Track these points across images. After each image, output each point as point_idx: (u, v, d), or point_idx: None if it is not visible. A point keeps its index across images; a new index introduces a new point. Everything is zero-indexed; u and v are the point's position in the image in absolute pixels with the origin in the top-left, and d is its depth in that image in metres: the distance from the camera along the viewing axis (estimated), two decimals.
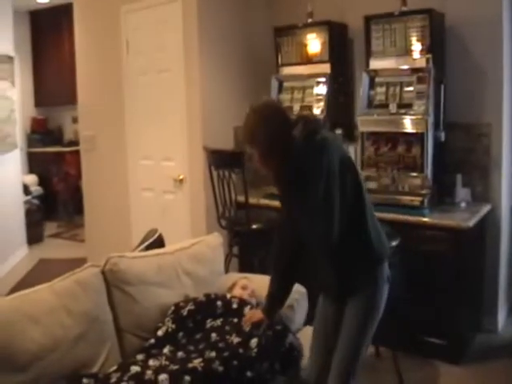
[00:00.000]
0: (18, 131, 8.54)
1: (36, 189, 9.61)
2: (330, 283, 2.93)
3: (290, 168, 2.76)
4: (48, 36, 10.17)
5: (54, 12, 9.69)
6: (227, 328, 3.11)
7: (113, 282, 3.18)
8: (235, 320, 3.17)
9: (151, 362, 2.88)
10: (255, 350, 2.96)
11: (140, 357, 2.99)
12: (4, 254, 7.33)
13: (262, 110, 2.86)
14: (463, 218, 4.37)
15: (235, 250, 4.93)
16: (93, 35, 6.41)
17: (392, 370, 4.22)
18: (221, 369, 2.83)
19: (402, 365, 4.24)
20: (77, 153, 7.49)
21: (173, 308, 3.25)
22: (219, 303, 3.30)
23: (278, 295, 3.06)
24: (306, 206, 2.68)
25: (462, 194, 4.70)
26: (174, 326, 3.15)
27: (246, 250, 4.93)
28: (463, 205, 4.65)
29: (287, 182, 2.83)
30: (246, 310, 3.24)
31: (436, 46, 4.58)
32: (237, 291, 3.50)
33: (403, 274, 4.17)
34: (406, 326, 4.42)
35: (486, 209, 4.68)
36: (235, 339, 3.01)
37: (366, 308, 2.94)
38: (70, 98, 7.69)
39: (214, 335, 3.09)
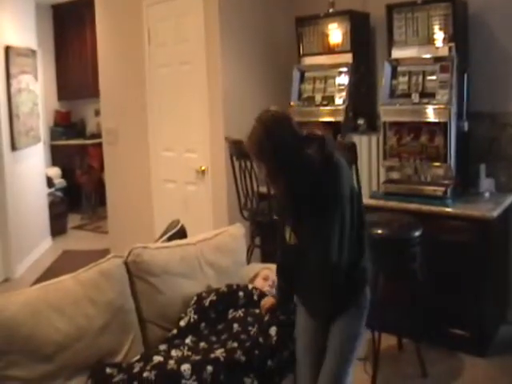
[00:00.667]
0: (42, 124, 8.59)
1: (59, 181, 9.68)
2: (320, 304, 2.90)
3: (304, 189, 2.69)
4: (70, 30, 10.22)
5: (77, 6, 9.72)
6: (249, 319, 3.12)
7: (136, 272, 3.19)
8: (256, 311, 3.18)
9: (174, 353, 2.89)
10: (275, 338, 2.98)
11: (163, 347, 3.01)
12: (28, 246, 7.40)
13: (269, 121, 2.75)
14: (487, 208, 4.33)
15: (257, 240, 4.93)
16: (115, 28, 6.43)
17: (415, 362, 4.22)
18: (243, 359, 2.85)
19: (426, 357, 4.22)
20: (99, 145, 7.55)
21: (195, 298, 3.26)
22: (241, 294, 3.30)
23: (286, 291, 3.10)
24: (321, 232, 2.67)
25: (486, 184, 4.66)
26: (196, 317, 3.16)
27: (268, 240, 4.90)
28: (487, 195, 4.61)
29: (299, 204, 2.74)
30: (266, 316, 3.23)
31: (459, 34, 4.53)
32: (258, 282, 3.52)
33: (426, 265, 4.15)
34: (429, 317, 4.40)
35: (510, 199, 4.63)
36: (256, 328, 3.03)
37: (355, 324, 2.89)
38: (93, 91, 7.72)
39: (235, 326, 3.09)
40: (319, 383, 2.80)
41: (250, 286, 3.37)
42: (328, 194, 2.65)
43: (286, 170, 2.69)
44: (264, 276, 3.53)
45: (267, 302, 3.19)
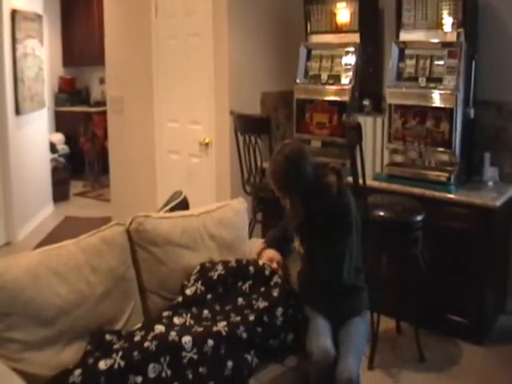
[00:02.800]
0: (46, 90, 8.57)
1: (62, 147, 9.69)
2: (329, 305, 3.18)
3: (320, 214, 3.07)
4: None
5: None
6: (255, 295, 3.12)
7: (137, 241, 3.19)
8: (262, 289, 3.17)
9: (176, 321, 2.91)
10: (280, 319, 3.00)
11: (166, 314, 3.02)
12: (30, 211, 7.43)
13: (291, 154, 3.07)
14: (490, 197, 4.34)
15: (259, 216, 4.95)
16: None
17: (413, 346, 4.26)
18: (245, 335, 2.87)
19: (424, 342, 4.28)
20: (104, 113, 7.54)
21: (198, 267, 3.26)
22: (251, 269, 3.28)
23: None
24: (335, 254, 3.06)
25: (490, 172, 4.67)
26: (203, 288, 3.15)
27: (269, 216, 4.93)
28: (490, 184, 4.61)
29: (314, 225, 3.11)
30: (275, 277, 3.25)
31: (468, 20, 4.50)
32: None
33: (428, 250, 4.18)
34: (429, 303, 4.42)
35: None
36: (261, 304, 3.03)
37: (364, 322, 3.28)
38: (98, 59, 7.68)
39: (240, 300, 3.11)
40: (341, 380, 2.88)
41: (261, 262, 3.36)
42: (341, 220, 3.05)
43: (307, 199, 3.07)
44: (268, 257, 3.50)
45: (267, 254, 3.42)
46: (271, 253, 3.46)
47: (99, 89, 10.32)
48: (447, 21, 4.52)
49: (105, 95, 7.30)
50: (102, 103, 8.62)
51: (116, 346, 2.67)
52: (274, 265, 3.34)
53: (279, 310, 3.02)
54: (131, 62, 6.31)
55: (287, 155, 3.04)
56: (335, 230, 3.05)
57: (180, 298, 3.14)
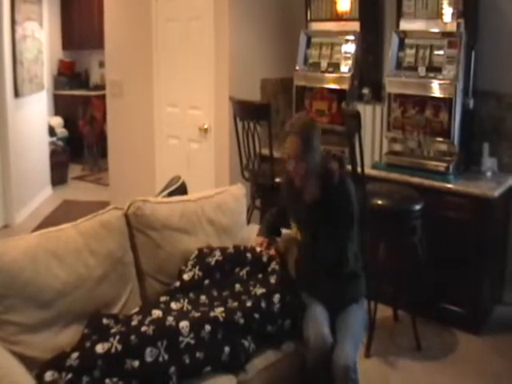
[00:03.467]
0: (45, 73, 8.56)
1: (61, 131, 9.67)
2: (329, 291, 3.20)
3: (322, 198, 3.12)
4: None
5: None
6: (252, 282, 3.15)
7: (136, 225, 3.21)
8: (260, 276, 3.20)
9: (173, 306, 2.93)
10: (278, 306, 3.02)
11: (163, 299, 3.04)
12: (28, 194, 7.43)
13: (313, 122, 3.30)
14: (489, 187, 4.35)
15: (257, 202, 4.95)
16: None
17: (409, 334, 4.28)
18: (242, 321, 2.89)
19: (420, 330, 4.29)
20: (103, 97, 7.52)
21: (196, 253, 3.28)
22: (249, 255, 3.31)
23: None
24: (338, 241, 3.14)
25: (489, 163, 4.67)
26: (200, 274, 3.18)
27: (268, 202, 4.92)
28: (489, 174, 4.61)
29: (320, 212, 3.13)
30: (273, 264, 3.27)
31: (469, 10, 4.48)
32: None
33: (426, 239, 4.19)
34: (426, 292, 4.45)
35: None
36: (259, 290, 3.06)
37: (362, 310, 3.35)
38: (98, 42, 7.66)
39: (237, 286, 3.13)
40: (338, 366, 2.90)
41: (259, 249, 3.38)
42: (343, 209, 3.11)
43: (317, 177, 3.15)
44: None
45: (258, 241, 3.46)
46: (259, 239, 3.51)
47: (99, 72, 10.29)
48: (447, 11, 4.50)
49: (104, 79, 7.28)
50: (102, 87, 8.59)
51: (113, 330, 2.69)
52: (272, 251, 3.36)
53: (276, 297, 3.04)
54: (131, 45, 6.30)
55: (310, 119, 3.26)
56: (338, 219, 3.10)
57: (177, 283, 3.16)
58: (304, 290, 3.21)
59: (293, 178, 3.20)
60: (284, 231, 3.60)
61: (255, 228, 3.77)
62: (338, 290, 3.19)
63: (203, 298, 3.04)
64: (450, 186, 4.39)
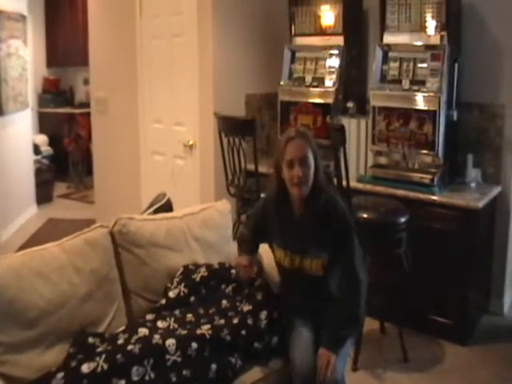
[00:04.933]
0: (30, 91, 8.55)
1: (46, 149, 9.64)
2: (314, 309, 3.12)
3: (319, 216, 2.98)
4: None
5: None
6: (239, 297, 3.13)
7: (121, 243, 3.19)
8: (246, 291, 3.18)
9: (160, 324, 2.90)
10: (264, 322, 3.00)
11: (149, 317, 3.02)
12: (13, 213, 7.39)
13: None
14: (473, 198, 4.37)
15: (243, 217, 4.94)
16: None
17: (397, 346, 4.28)
18: (228, 338, 2.87)
19: (407, 342, 4.29)
20: (88, 114, 7.50)
21: (182, 269, 3.26)
22: (233, 272, 3.30)
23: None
24: (347, 263, 3.01)
25: (473, 174, 4.70)
26: (186, 291, 3.15)
27: None
28: (473, 185, 4.64)
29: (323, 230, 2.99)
30: (258, 280, 3.25)
31: (452, 23, 4.53)
32: None
33: (411, 251, 4.19)
34: (412, 303, 4.45)
35: (496, 190, 4.69)
36: (245, 307, 3.05)
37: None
38: (83, 59, 7.66)
39: (224, 302, 3.11)
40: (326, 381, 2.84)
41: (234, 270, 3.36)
42: (344, 225, 3.00)
43: (319, 184, 3.00)
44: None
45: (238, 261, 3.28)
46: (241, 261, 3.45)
47: (83, 90, 10.28)
48: (431, 24, 4.55)
49: (89, 96, 7.28)
50: (87, 104, 8.58)
51: (99, 349, 2.66)
52: (254, 270, 3.34)
53: (263, 313, 3.02)
54: (115, 62, 6.30)
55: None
56: (342, 245, 3.00)
57: (163, 301, 3.14)
58: (290, 311, 3.15)
59: (298, 187, 2.93)
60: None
61: None
62: (326, 310, 3.08)
63: (189, 315, 3.01)
64: (434, 197, 4.41)
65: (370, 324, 4.49)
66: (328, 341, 2.92)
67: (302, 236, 3.02)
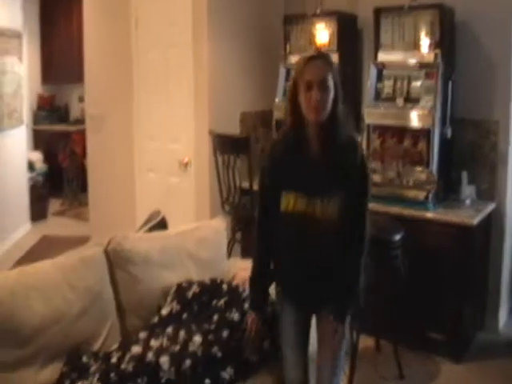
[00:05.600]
0: (25, 107, 8.53)
1: (41, 166, 9.58)
2: (321, 285, 2.84)
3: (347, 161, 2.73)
4: (57, 12, 10.09)
5: None
6: (228, 312, 3.12)
7: (116, 261, 3.20)
8: (236, 303, 3.18)
9: (153, 342, 2.89)
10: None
11: (142, 335, 3.01)
12: (7, 230, 7.36)
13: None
14: (468, 215, 4.38)
15: (238, 235, 4.95)
16: (101, 12, 6.39)
17: (392, 363, 4.27)
18: (219, 354, 2.87)
19: (403, 359, 4.28)
20: (83, 131, 7.49)
21: (175, 287, 3.27)
22: (225, 286, 3.31)
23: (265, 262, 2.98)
24: (362, 206, 2.80)
25: (468, 191, 4.71)
26: (178, 307, 3.16)
27: (248, 236, 4.92)
28: (468, 202, 4.65)
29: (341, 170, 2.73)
30: (246, 305, 3.24)
31: (445, 41, 4.56)
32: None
33: (406, 268, 4.19)
34: (407, 320, 4.43)
35: (490, 207, 4.69)
36: (235, 316, 3.06)
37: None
38: (78, 76, 7.63)
39: (215, 317, 3.10)
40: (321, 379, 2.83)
41: (235, 282, 3.38)
42: (365, 167, 2.79)
43: (338, 115, 2.71)
44: (241, 278, 3.51)
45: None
46: (244, 273, 3.42)
47: (78, 107, 10.25)
48: (424, 42, 4.57)
49: (84, 113, 7.28)
50: (82, 121, 8.55)
51: (93, 368, 2.66)
52: (246, 285, 3.34)
53: None
54: (111, 80, 6.30)
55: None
56: (359, 186, 2.77)
57: (156, 319, 3.14)
58: (284, 296, 2.96)
59: (315, 111, 2.66)
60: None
61: (236, 262, 3.77)
62: (326, 287, 2.84)
63: (182, 332, 3.00)
64: (429, 214, 4.42)
65: (365, 341, 4.47)
66: (333, 310, 2.81)
67: (319, 174, 2.74)
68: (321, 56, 2.78)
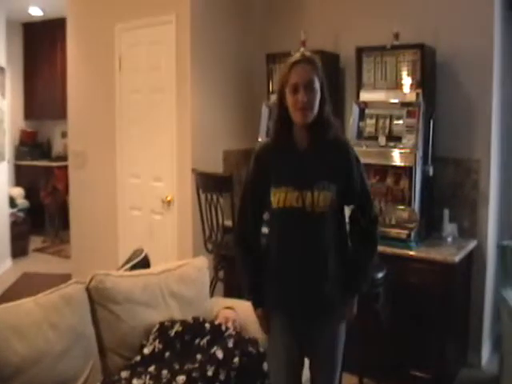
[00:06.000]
0: (7, 143, 8.52)
1: (22, 202, 9.55)
2: (320, 288, 2.77)
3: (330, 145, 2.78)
4: (41, 49, 10.16)
5: (48, 25, 9.68)
6: (212, 350, 3.11)
7: (97, 299, 3.18)
8: (219, 342, 3.17)
9: (135, 381, 2.88)
10: (238, 366, 3.00)
11: (124, 374, 2.99)
12: None
13: None
14: (450, 252, 4.39)
15: (221, 274, 4.92)
16: (85, 50, 6.42)
17: None
18: None
19: None
20: (65, 168, 7.46)
21: (157, 326, 3.25)
22: (207, 325, 3.31)
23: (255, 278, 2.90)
24: (367, 190, 2.91)
25: (449, 228, 4.73)
26: (160, 346, 3.15)
27: (231, 274, 4.92)
28: (450, 239, 4.67)
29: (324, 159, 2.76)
30: (230, 331, 3.25)
31: (427, 80, 4.63)
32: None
33: (389, 306, 4.19)
34: (391, 358, 4.41)
35: (472, 244, 4.71)
36: (219, 355, 3.04)
37: (340, 328, 2.94)
38: (60, 112, 7.68)
39: (199, 356, 3.09)
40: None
41: (217, 322, 3.38)
42: (356, 157, 2.87)
43: (325, 116, 2.77)
44: (224, 316, 3.51)
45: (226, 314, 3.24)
46: (227, 312, 3.43)
47: (61, 142, 10.25)
48: (406, 81, 4.63)
49: (67, 149, 7.27)
50: (64, 157, 8.54)
51: None
52: (229, 324, 3.33)
53: (236, 360, 3.03)
54: (94, 116, 6.31)
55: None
56: (356, 172, 2.82)
57: (138, 357, 3.13)
58: (276, 306, 2.86)
59: (302, 112, 2.69)
60: None
61: (219, 300, 3.76)
62: (321, 296, 2.78)
63: (165, 371, 2.99)
64: (412, 252, 4.43)
65: (349, 380, 4.43)
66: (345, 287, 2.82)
67: (309, 167, 2.74)
68: (306, 59, 2.77)
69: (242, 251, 2.96)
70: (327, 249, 2.76)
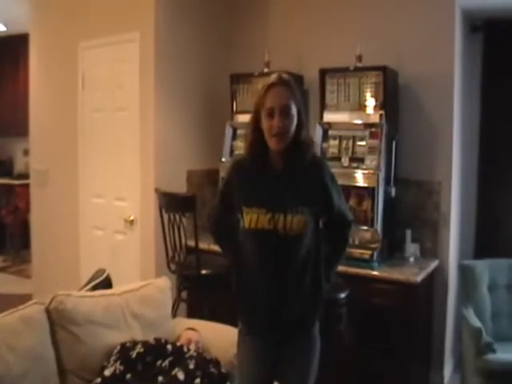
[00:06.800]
0: None
1: None
2: (285, 312, 2.79)
3: (308, 165, 2.76)
4: (3, 65, 10.04)
5: (10, 41, 9.53)
6: (174, 372, 3.09)
7: (57, 320, 3.13)
8: (181, 363, 3.15)
9: None
10: None
11: None
12: None
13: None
14: (412, 272, 4.42)
15: (184, 294, 4.89)
16: (48, 68, 6.40)
17: None
18: None
19: None
20: (27, 186, 7.39)
21: (118, 348, 3.22)
22: (169, 347, 3.28)
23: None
24: (342, 202, 2.93)
25: (412, 249, 4.78)
26: (122, 368, 3.10)
27: (194, 295, 4.90)
28: (412, 260, 4.71)
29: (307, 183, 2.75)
30: (191, 352, 3.23)
31: (389, 102, 4.68)
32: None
33: (352, 326, 4.20)
34: (354, 379, 4.40)
35: (434, 264, 4.75)
36: (180, 376, 3.02)
37: (313, 348, 2.94)
38: (23, 130, 7.55)
39: (160, 378, 3.06)
40: None
41: (179, 342, 3.36)
42: (333, 178, 2.84)
43: (301, 136, 2.74)
44: (186, 338, 3.49)
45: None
46: (190, 333, 3.41)
47: (23, 160, 10.13)
48: (369, 102, 4.69)
49: (28, 167, 7.20)
50: (26, 175, 8.45)
51: None
52: (192, 345, 3.31)
53: (197, 382, 3.03)
54: (56, 134, 6.27)
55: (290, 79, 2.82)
56: (331, 197, 2.81)
57: (98, 380, 3.08)
58: (248, 331, 2.89)
59: (277, 138, 2.67)
60: None
61: (181, 321, 3.73)
62: (291, 311, 2.79)
63: None
64: (374, 272, 4.45)
65: None
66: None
67: (283, 190, 2.71)
68: (283, 82, 2.75)
69: (217, 238, 3.10)
70: (301, 268, 2.76)
